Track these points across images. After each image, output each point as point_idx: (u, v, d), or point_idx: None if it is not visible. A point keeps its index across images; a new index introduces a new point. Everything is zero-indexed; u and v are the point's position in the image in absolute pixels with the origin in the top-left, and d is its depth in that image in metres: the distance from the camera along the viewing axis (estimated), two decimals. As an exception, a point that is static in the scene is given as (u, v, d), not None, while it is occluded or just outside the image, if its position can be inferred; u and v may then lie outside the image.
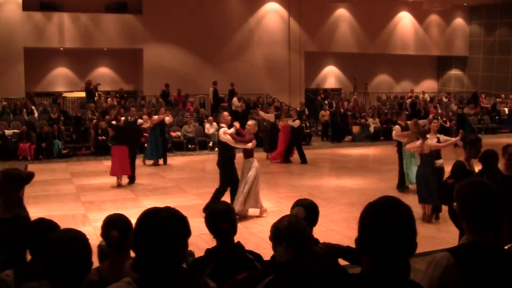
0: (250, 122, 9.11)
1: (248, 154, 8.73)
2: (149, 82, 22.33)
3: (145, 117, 15.62)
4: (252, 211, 8.88)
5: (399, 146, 10.68)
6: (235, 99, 21.37)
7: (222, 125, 8.96)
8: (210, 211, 3.15)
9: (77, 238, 2.14)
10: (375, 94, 26.92)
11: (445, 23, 29.13)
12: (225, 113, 9.39)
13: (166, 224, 1.94)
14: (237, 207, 8.26)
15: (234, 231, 3.08)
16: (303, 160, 15.38)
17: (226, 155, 8.84)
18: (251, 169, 8.59)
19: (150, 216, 1.98)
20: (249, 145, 8.60)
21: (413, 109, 22.72)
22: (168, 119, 15.68)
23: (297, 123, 15.69)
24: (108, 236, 3.00)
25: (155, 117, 15.10)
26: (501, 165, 5.60)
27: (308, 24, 25.42)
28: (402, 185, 10.70)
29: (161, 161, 15.26)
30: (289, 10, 25.12)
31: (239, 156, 9.02)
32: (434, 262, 2.18)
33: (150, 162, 15.27)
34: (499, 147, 5.68)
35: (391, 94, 27.83)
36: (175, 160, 16.56)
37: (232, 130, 8.74)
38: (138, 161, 15.34)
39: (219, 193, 8.73)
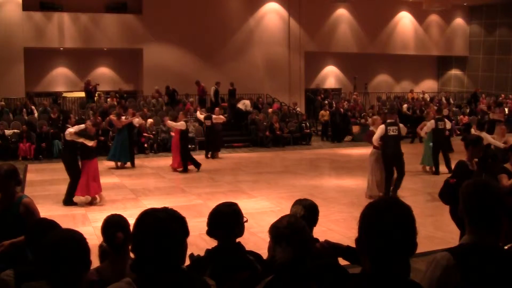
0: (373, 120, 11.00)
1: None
2: (149, 82, 22.33)
3: (112, 117, 15.31)
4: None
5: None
6: (247, 102, 21.44)
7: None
8: (215, 212, 3.13)
9: (74, 238, 2.14)
10: (375, 94, 26.91)
11: (445, 23, 29.12)
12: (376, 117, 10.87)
13: (164, 224, 1.94)
14: (368, 192, 10.14)
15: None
16: (185, 168, 13.96)
17: None
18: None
19: (147, 216, 1.98)
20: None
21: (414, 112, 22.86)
22: (137, 120, 15.30)
23: (180, 124, 14.13)
24: (112, 238, 2.99)
25: (123, 118, 14.73)
26: (508, 164, 5.88)
27: (308, 24, 25.41)
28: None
29: (128, 164, 14.80)
30: (289, 10, 25.11)
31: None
32: (434, 262, 2.17)
33: (112, 163, 14.62)
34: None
35: (391, 94, 27.83)
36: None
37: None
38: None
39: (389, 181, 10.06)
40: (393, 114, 10.67)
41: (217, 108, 18.09)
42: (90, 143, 9.90)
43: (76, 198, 10.06)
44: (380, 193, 9.86)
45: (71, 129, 9.97)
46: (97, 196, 10.12)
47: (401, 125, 10.15)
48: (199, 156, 16.34)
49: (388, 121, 10.06)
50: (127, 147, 14.69)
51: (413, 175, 12.55)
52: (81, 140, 9.87)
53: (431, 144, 13.08)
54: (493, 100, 24.69)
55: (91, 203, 10.04)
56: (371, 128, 10.88)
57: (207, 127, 17.07)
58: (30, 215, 4.03)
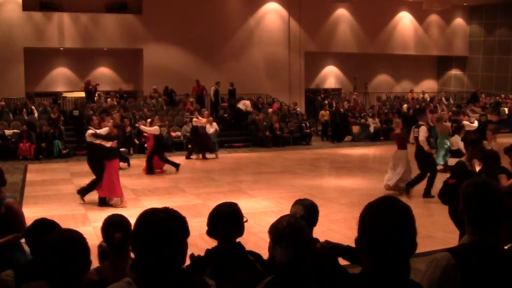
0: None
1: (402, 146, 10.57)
2: (149, 82, 22.33)
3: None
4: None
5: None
6: (247, 102, 21.52)
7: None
8: (215, 212, 3.13)
9: (74, 238, 2.14)
10: (375, 94, 26.92)
11: (445, 23, 29.13)
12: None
13: (164, 224, 1.94)
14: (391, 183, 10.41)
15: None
16: (175, 165, 13.85)
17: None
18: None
19: (148, 216, 1.98)
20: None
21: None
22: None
23: (154, 129, 13.64)
24: (111, 238, 2.99)
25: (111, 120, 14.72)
26: (507, 164, 5.85)
27: (308, 24, 25.42)
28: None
29: (124, 165, 14.63)
30: (289, 10, 25.12)
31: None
32: (434, 262, 2.17)
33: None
34: (500, 146, 5.71)
35: (391, 94, 27.84)
36: (175, 160, 16.51)
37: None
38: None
39: (425, 178, 10.27)
40: (422, 116, 11.16)
41: (206, 112, 18.11)
42: (108, 144, 9.80)
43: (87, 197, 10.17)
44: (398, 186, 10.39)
45: (90, 131, 10.03)
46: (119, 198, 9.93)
47: (422, 127, 10.28)
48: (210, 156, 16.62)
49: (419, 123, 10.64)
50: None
51: (414, 175, 12.55)
52: (98, 141, 9.85)
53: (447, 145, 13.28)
54: (490, 102, 24.69)
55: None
56: (396, 130, 10.99)
57: (191, 128, 17.13)
58: (12, 216, 3.95)
